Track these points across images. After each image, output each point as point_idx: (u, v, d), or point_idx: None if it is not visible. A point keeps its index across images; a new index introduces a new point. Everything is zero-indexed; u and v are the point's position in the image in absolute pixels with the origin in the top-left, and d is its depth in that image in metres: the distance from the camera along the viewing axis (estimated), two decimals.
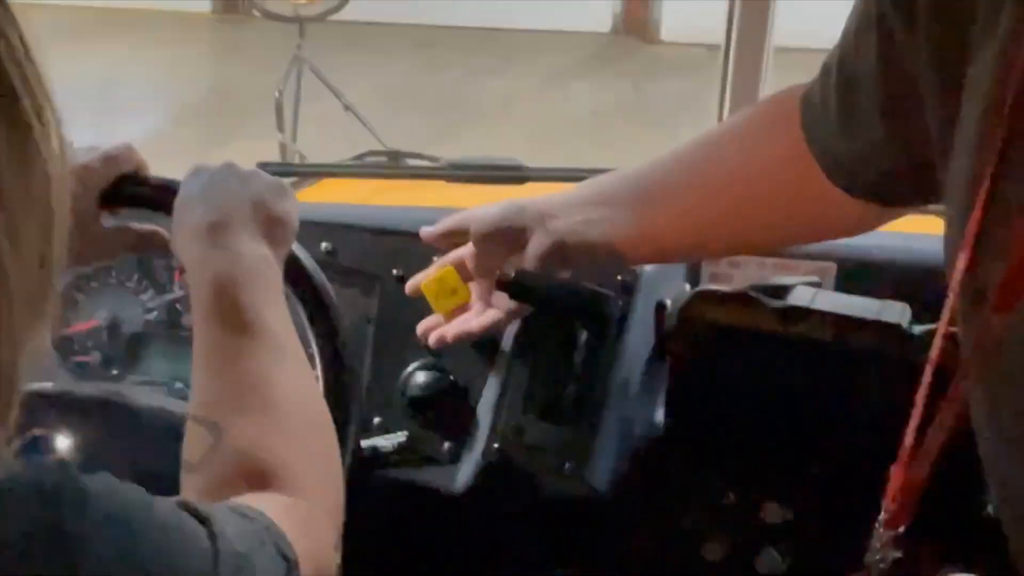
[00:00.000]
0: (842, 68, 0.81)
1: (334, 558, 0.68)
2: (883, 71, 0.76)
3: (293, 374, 0.76)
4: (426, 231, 1.09)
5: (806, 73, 1.07)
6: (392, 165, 1.48)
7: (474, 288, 1.11)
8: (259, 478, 0.66)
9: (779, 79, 1.20)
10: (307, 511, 0.64)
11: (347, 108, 3.36)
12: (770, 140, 0.94)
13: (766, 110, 1.00)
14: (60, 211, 0.52)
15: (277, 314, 0.78)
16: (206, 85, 6.26)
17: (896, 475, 0.80)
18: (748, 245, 1.08)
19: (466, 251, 1.07)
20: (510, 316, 1.08)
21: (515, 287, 1.02)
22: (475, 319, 1.08)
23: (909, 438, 0.77)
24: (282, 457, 0.68)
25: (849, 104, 0.82)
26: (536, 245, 1.00)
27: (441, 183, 1.39)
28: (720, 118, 1.27)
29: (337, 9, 3.08)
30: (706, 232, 1.01)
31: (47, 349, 1.13)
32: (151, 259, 1.22)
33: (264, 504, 0.61)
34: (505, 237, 1.03)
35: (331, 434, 0.76)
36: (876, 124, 0.78)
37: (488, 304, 1.10)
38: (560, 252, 1.00)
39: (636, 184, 1.02)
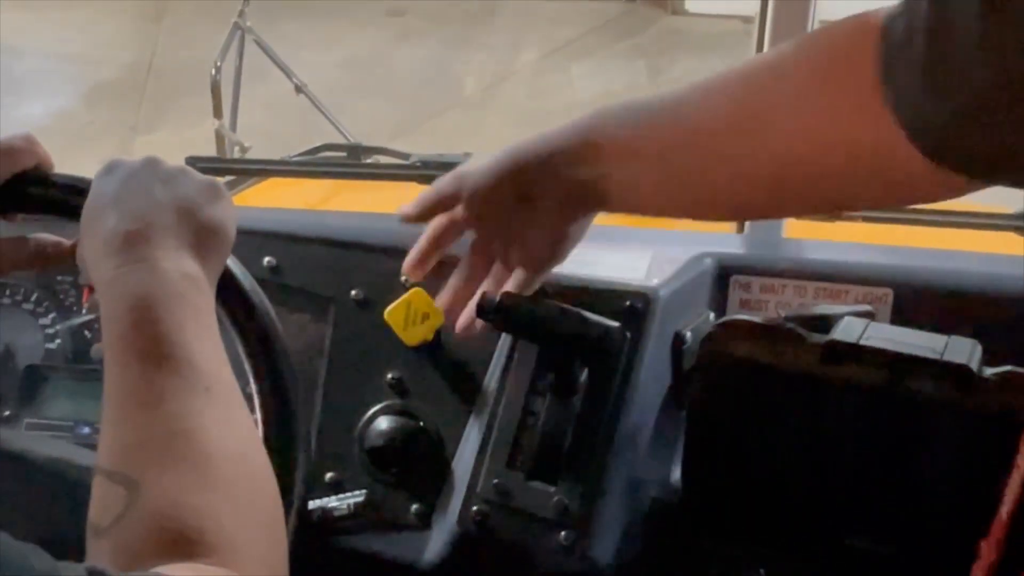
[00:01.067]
0: None
1: None
2: None
3: (226, 419, 0.75)
4: (406, 209, 1.08)
5: None
6: (352, 162, 1.47)
7: (464, 271, 1.11)
8: (183, 545, 0.64)
9: None
10: None
11: (299, 90, 3.34)
12: (834, 88, 0.86)
13: (829, 44, 0.91)
14: None
15: (207, 345, 0.77)
16: (127, 58, 6.23)
17: (987, 553, 0.80)
18: (804, 207, 1.08)
19: (456, 224, 1.07)
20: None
21: (499, 314, 1.03)
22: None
23: (1008, 507, 0.76)
24: (211, 519, 0.67)
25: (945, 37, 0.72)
26: (547, 205, 1.01)
27: (411, 184, 1.39)
28: None
29: None
30: (752, 195, 0.99)
31: None
32: (53, 276, 1.21)
33: (193, 571, 0.61)
34: (510, 192, 1.02)
35: (272, 492, 0.75)
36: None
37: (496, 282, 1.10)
38: (579, 208, 1.02)
39: (670, 133, 0.99)
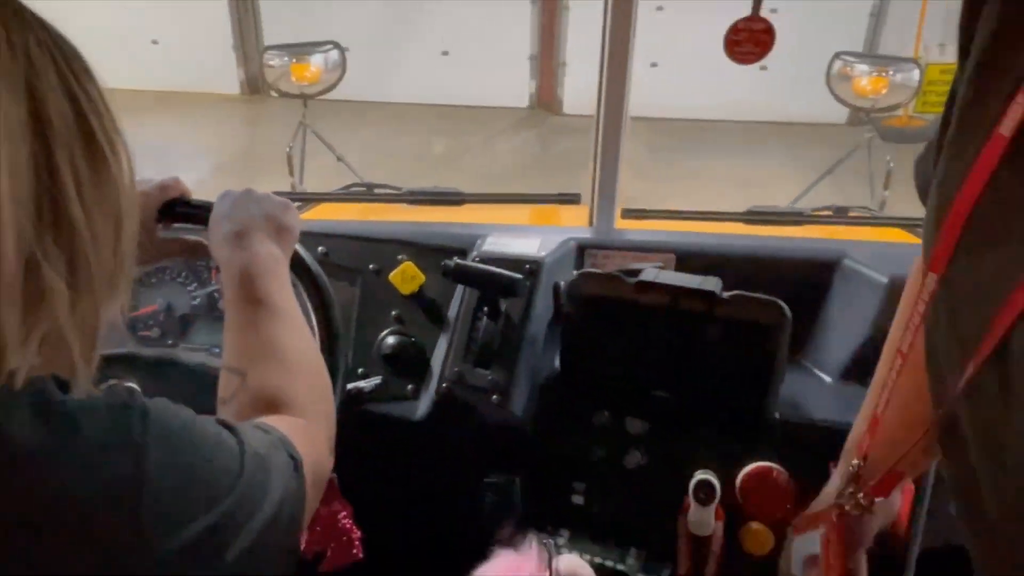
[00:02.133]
0: None
1: (328, 461, 0.68)
2: None
3: (296, 336, 0.75)
4: None
5: (644, 134, 1.08)
6: (368, 193, 1.46)
7: None
8: (272, 406, 0.66)
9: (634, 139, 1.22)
10: (308, 428, 0.65)
11: (339, 159, 3.32)
12: None
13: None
14: (129, 216, 0.52)
15: (285, 295, 0.77)
16: (236, 147, 6.14)
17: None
18: None
19: None
20: None
21: (456, 273, 1.04)
22: None
23: None
24: (288, 391, 0.68)
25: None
26: None
27: (402, 205, 1.39)
28: (594, 164, 1.27)
29: (331, 89, 3.04)
30: None
31: (121, 327, 1.12)
32: (195, 261, 1.19)
33: (277, 423, 0.61)
34: None
35: (325, 377, 0.76)
36: None
37: None
38: None
39: None
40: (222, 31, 6.91)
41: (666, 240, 1.18)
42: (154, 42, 6.82)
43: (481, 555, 0.95)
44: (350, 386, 1.06)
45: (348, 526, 0.98)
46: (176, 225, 0.91)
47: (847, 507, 0.73)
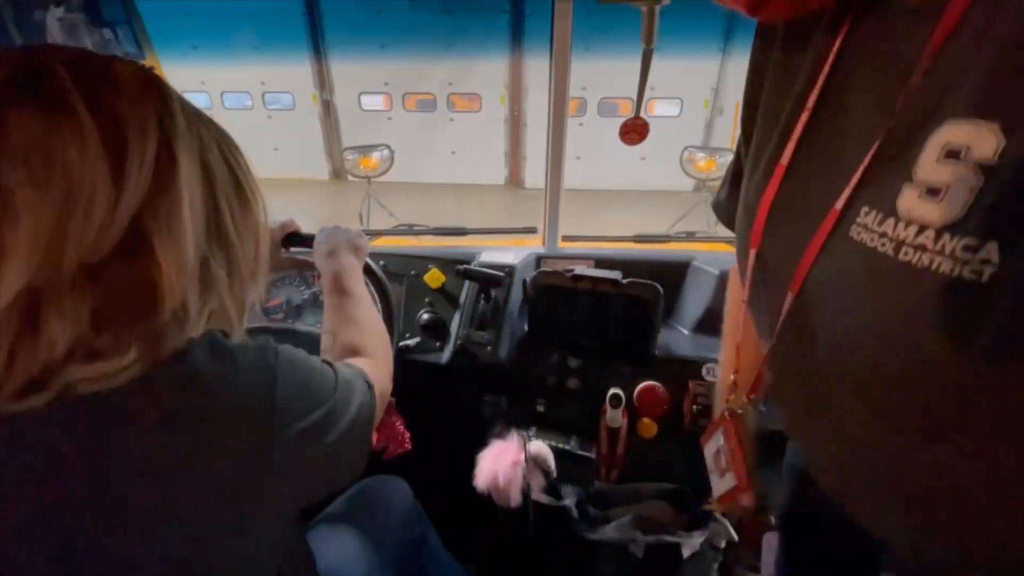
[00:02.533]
0: None
1: (389, 386, 0.65)
2: None
3: (368, 312, 0.73)
4: None
5: (572, 198, 1.06)
6: (408, 230, 1.43)
7: None
8: (354, 352, 0.65)
9: (567, 200, 1.20)
10: (376, 365, 0.63)
11: (391, 214, 3.29)
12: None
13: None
14: (263, 237, 0.50)
15: (360, 288, 0.76)
16: (328, 208, 5.97)
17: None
18: None
19: None
20: None
21: (463, 273, 1.03)
22: None
23: None
24: (363, 344, 0.66)
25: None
26: None
27: (429, 236, 1.35)
28: (544, 211, 1.23)
29: (384, 173, 3.01)
30: None
31: (259, 313, 1.10)
32: (306, 271, 1.16)
33: (357, 362, 0.60)
34: None
35: (386, 336, 0.72)
36: None
37: None
38: None
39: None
40: (317, 140, 6.83)
41: (588, 253, 1.17)
42: (276, 149, 6.73)
43: (482, 444, 0.95)
44: (400, 344, 1.05)
45: (401, 430, 0.96)
46: (292, 249, 0.89)
47: (735, 408, 0.67)
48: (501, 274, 1.03)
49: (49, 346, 0.34)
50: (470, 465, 0.93)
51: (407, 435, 0.96)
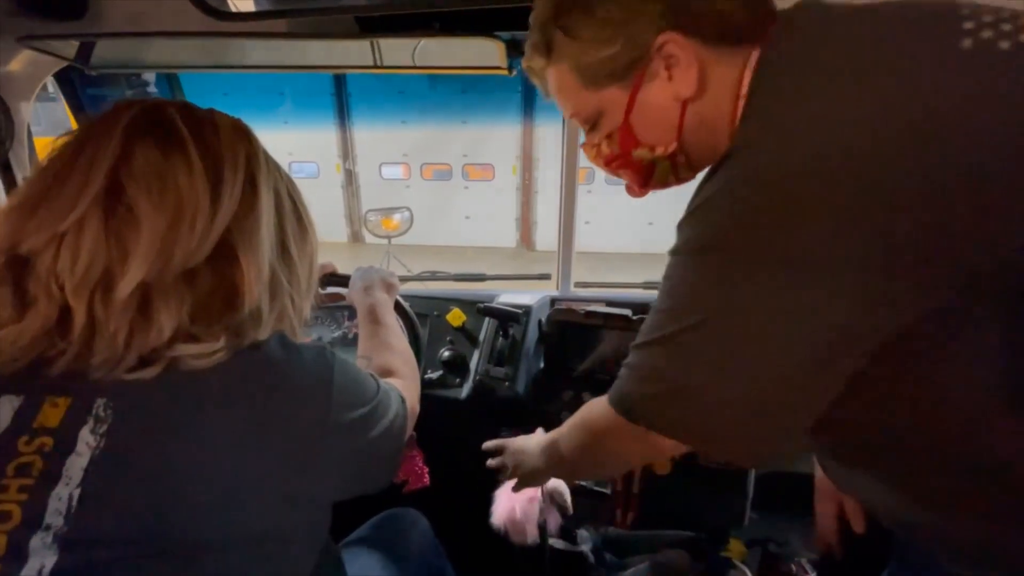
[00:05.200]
0: None
1: (416, 406, 0.67)
2: None
3: (399, 339, 0.76)
4: None
5: (582, 260, 1.09)
6: (432, 276, 1.48)
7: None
8: (387, 373, 0.67)
9: (577, 262, 1.24)
10: (407, 384, 0.65)
11: (408, 270, 3.38)
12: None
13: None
14: (316, 260, 0.54)
15: (392, 320, 0.79)
16: (348, 267, 5.91)
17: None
18: None
19: None
20: None
21: (484, 311, 1.06)
22: None
23: None
24: (395, 366, 0.69)
25: None
26: None
27: (449, 282, 1.37)
28: (559, 267, 1.27)
29: (404, 234, 3.15)
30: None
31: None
32: (338, 311, 1.19)
33: (391, 381, 0.62)
34: None
35: (415, 362, 0.75)
36: None
37: None
38: None
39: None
40: (338, 206, 7.09)
41: (600, 295, 1.21)
42: None
43: (499, 482, 0.93)
44: (424, 377, 1.06)
45: (421, 464, 0.96)
46: (330, 288, 0.92)
47: None
48: (519, 311, 1.06)
49: (158, 331, 0.40)
50: (486, 502, 0.92)
51: (426, 470, 0.96)
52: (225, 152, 0.44)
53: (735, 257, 0.37)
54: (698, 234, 0.40)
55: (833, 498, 0.70)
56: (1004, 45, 0.35)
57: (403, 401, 0.59)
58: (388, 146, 6.80)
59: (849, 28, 0.39)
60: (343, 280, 0.89)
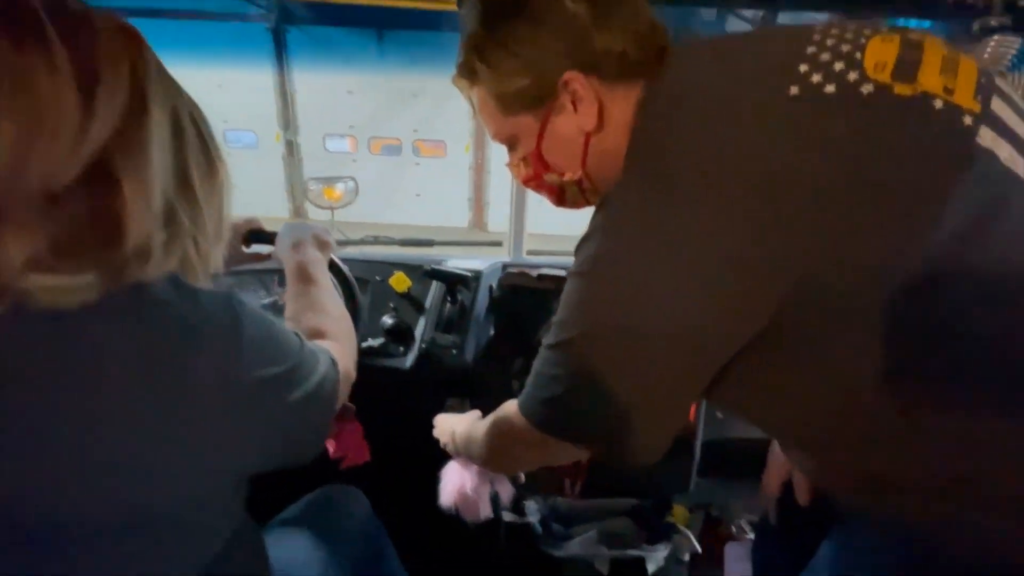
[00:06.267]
0: None
1: (352, 372, 0.63)
2: None
3: (332, 299, 0.71)
4: None
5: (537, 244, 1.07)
6: (375, 240, 1.42)
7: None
8: (318, 336, 0.62)
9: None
10: (341, 348, 0.61)
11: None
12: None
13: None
14: (227, 201, 0.49)
15: (325, 278, 0.74)
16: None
17: None
18: None
19: None
20: None
21: (431, 274, 1.02)
22: None
23: None
24: (328, 328, 0.64)
25: None
26: None
27: (396, 247, 1.34)
28: (511, 234, 1.26)
29: (348, 205, 3.01)
30: None
31: None
32: (267, 278, 1.10)
33: (322, 343, 0.58)
34: None
35: (351, 324, 0.70)
36: None
37: None
38: None
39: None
40: (279, 179, 6.79)
41: (554, 262, 1.20)
42: (235, 186, 6.60)
43: (445, 457, 0.90)
44: (364, 345, 1.01)
45: (360, 438, 0.91)
46: (256, 248, 0.86)
47: None
48: (469, 274, 1.02)
49: (5, 260, 0.34)
50: (432, 479, 0.88)
51: (366, 444, 0.92)
52: (103, 56, 0.38)
53: (608, 280, 0.44)
54: (581, 260, 0.46)
55: (783, 468, 0.74)
56: (830, 89, 0.40)
57: (334, 364, 0.55)
58: (333, 117, 6.51)
59: (710, 69, 0.45)
60: (269, 237, 0.83)
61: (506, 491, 0.89)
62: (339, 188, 3.36)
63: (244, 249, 0.86)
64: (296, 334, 0.50)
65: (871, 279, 0.38)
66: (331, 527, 0.76)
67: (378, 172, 6.63)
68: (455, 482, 0.84)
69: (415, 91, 6.19)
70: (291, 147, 6.65)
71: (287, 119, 6.54)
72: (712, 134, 0.41)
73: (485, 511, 0.82)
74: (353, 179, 3.40)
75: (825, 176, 0.38)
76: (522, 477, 0.92)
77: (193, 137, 0.45)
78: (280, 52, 6.13)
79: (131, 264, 0.38)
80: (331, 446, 0.92)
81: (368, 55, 6.06)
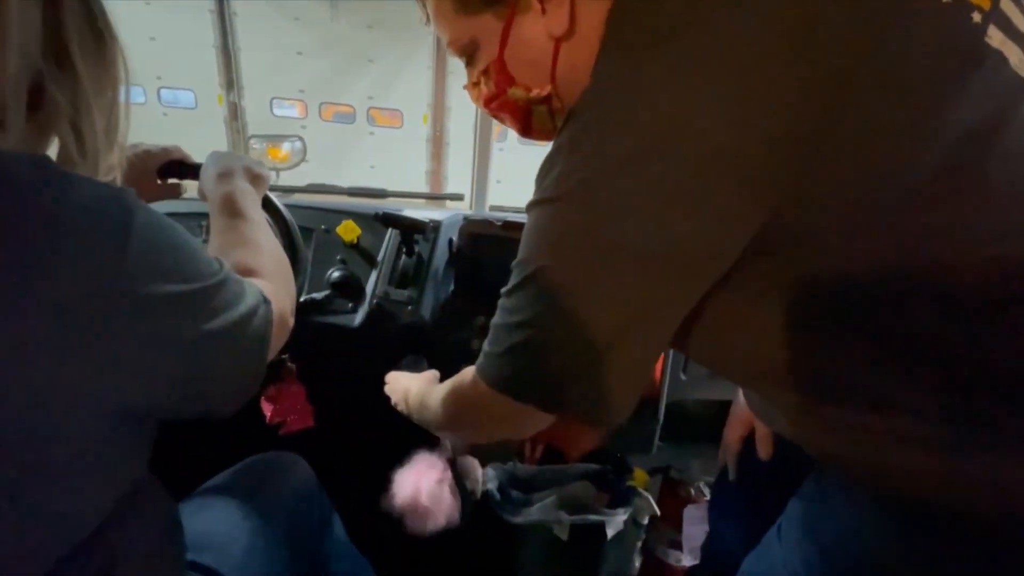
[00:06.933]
0: None
1: (290, 317, 0.55)
2: None
3: (264, 234, 0.62)
4: None
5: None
6: (321, 188, 1.33)
7: None
8: (248, 273, 0.54)
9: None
10: (275, 287, 0.53)
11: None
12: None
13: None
14: (121, 87, 0.42)
15: (257, 212, 0.65)
16: None
17: None
18: None
19: None
20: None
21: (384, 220, 0.94)
22: None
23: None
24: (259, 265, 0.56)
25: None
26: None
27: (344, 197, 1.24)
28: (473, 187, 1.21)
29: (295, 167, 2.84)
30: None
31: None
32: (191, 223, 0.98)
33: (254, 281, 0.51)
34: None
35: (287, 262, 0.62)
36: None
37: None
38: None
39: None
40: (220, 143, 6.35)
41: (519, 218, 1.13)
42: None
43: (398, 418, 0.85)
44: (305, 297, 0.91)
45: (303, 401, 0.84)
46: (172, 180, 0.75)
47: None
48: (427, 222, 0.95)
49: None
50: (381, 448, 0.84)
51: (310, 409, 0.84)
52: None
53: (577, 197, 0.38)
54: (543, 186, 0.41)
55: (745, 423, 0.72)
56: None
57: (266, 300, 0.48)
58: (281, 79, 6.11)
59: None
60: (191, 170, 0.73)
61: (475, 481, 0.86)
62: (285, 148, 3.15)
63: (158, 182, 0.75)
64: (218, 260, 0.43)
65: (882, 177, 0.34)
66: (265, 496, 0.67)
67: (330, 140, 6.33)
68: (409, 490, 0.78)
69: (371, 56, 5.91)
70: (235, 110, 6.21)
71: (230, 79, 6.09)
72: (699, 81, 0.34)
73: (436, 523, 0.77)
74: (300, 139, 3.20)
75: (838, 57, 0.34)
76: (479, 493, 0.90)
77: (75, 6, 0.38)
78: (222, 2, 5.67)
79: None
80: (268, 410, 0.83)
81: (319, 15, 5.71)
